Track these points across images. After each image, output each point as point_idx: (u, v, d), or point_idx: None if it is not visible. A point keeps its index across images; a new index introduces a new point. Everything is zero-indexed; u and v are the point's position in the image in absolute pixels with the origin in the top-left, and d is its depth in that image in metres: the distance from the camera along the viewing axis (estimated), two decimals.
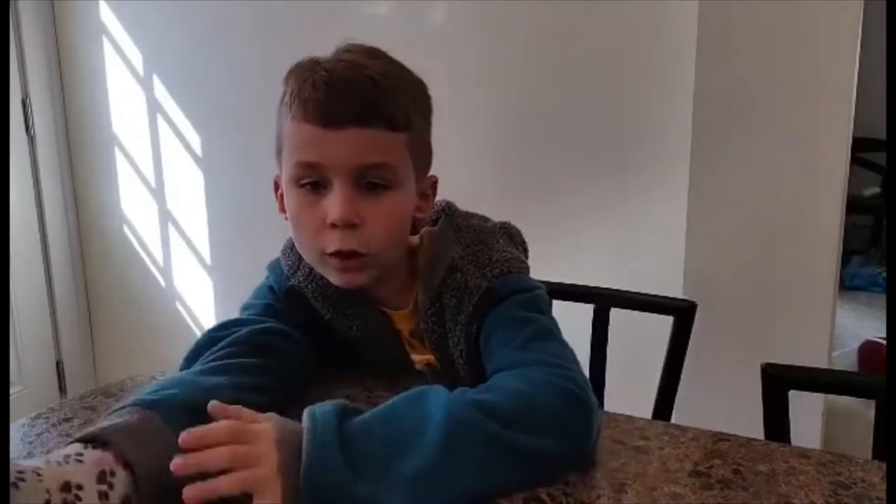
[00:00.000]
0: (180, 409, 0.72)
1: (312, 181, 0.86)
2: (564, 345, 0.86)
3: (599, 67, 1.87)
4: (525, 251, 1.01)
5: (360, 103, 0.83)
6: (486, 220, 1.00)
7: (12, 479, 0.58)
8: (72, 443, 0.67)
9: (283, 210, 0.92)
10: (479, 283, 0.89)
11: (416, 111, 0.89)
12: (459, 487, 0.68)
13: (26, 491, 0.59)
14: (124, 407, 0.72)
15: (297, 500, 0.64)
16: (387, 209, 0.87)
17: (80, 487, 0.62)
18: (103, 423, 0.68)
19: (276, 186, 0.94)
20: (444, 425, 0.69)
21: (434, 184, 0.97)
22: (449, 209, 0.99)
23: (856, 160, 2.13)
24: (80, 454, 0.64)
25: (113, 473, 0.64)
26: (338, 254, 0.86)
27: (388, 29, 2.05)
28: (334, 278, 0.89)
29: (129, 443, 0.66)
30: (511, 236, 0.99)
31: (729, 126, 1.75)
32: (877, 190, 3.93)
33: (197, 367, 0.84)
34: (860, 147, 2.29)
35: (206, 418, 0.68)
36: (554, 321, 0.90)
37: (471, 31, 2.00)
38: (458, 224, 0.96)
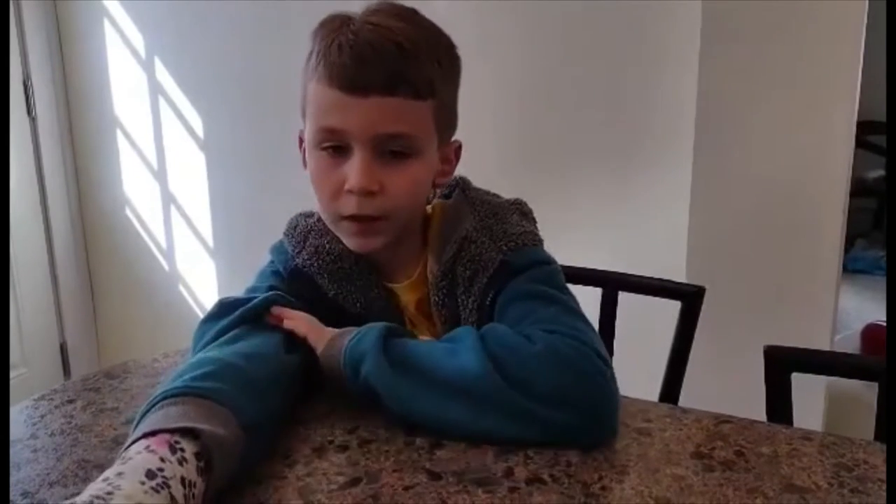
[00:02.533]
0: (258, 437, 0.72)
1: (334, 145, 0.86)
2: (588, 323, 0.86)
3: (603, 51, 1.86)
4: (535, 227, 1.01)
5: (384, 71, 0.82)
6: (498, 196, 1.01)
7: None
8: (174, 434, 0.65)
9: (306, 166, 0.93)
10: (493, 256, 0.89)
11: (441, 77, 0.88)
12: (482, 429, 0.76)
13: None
14: (222, 402, 0.70)
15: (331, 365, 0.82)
16: (407, 177, 0.87)
17: (194, 485, 0.62)
18: (213, 425, 0.66)
19: (301, 141, 0.94)
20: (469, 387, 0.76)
21: (458, 148, 0.97)
22: (463, 182, 0.99)
23: (860, 143, 2.12)
24: (195, 483, 0.63)
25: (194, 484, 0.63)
26: (353, 217, 0.87)
27: None
28: (349, 241, 0.91)
29: (216, 479, 0.66)
30: (523, 212, 0.99)
31: (734, 109, 1.74)
32: (881, 173, 3.91)
33: (236, 349, 0.82)
34: (865, 130, 2.28)
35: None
36: (573, 296, 0.90)
37: (476, 16, 1.98)
38: (471, 198, 0.96)
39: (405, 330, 0.87)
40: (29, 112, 2.56)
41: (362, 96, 0.83)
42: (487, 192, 1.00)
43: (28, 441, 0.82)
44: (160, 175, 2.56)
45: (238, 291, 0.99)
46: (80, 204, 2.73)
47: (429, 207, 0.98)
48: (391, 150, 0.86)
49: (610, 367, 0.79)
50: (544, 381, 0.75)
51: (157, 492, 0.58)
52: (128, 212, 2.66)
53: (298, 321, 0.88)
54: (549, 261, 0.92)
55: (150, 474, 0.59)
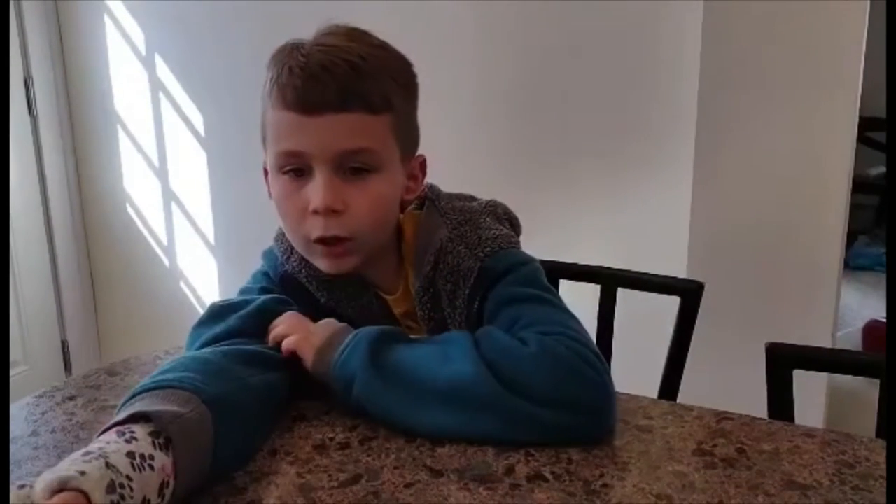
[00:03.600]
0: (230, 410, 0.72)
1: (295, 168, 0.86)
2: (573, 317, 0.86)
3: (602, 45, 1.86)
4: (514, 226, 0.99)
5: (336, 88, 0.82)
6: (472, 199, 0.99)
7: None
8: (128, 423, 0.65)
9: (271, 196, 0.92)
10: (471, 265, 0.89)
11: (397, 92, 0.88)
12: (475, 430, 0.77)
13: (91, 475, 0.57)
14: (183, 386, 0.70)
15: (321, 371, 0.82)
16: (371, 193, 0.86)
17: (151, 458, 0.62)
18: (170, 406, 0.67)
19: (266, 172, 0.94)
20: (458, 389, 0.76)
21: (423, 163, 0.96)
22: (432, 192, 0.98)
23: (862, 139, 2.12)
24: (152, 456, 0.63)
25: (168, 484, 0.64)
26: (321, 240, 0.86)
27: (388, 10, 2.03)
28: (321, 264, 0.90)
29: (184, 455, 0.65)
30: (496, 214, 0.97)
31: (735, 105, 1.74)
32: (883, 169, 3.90)
33: (226, 351, 0.82)
34: (867, 126, 2.27)
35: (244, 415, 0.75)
36: (557, 294, 0.89)
37: (479, 12, 1.98)
38: (442, 207, 0.95)
39: (397, 332, 0.85)
40: (30, 110, 2.55)
41: (316, 115, 0.82)
42: (459, 197, 0.99)
43: (29, 438, 0.82)
44: (161, 172, 2.56)
45: (239, 288, 0.99)
46: (81, 201, 2.73)
47: (400, 216, 0.97)
48: (352, 167, 0.85)
49: (604, 364, 0.79)
50: (541, 383, 0.75)
51: (89, 462, 0.58)
52: (129, 209, 2.65)
53: (284, 327, 0.87)
54: (527, 261, 0.91)
55: (87, 453, 0.59)
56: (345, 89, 0.82)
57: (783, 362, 0.96)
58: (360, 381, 0.79)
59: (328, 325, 0.87)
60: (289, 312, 0.89)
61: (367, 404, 0.80)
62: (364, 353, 0.80)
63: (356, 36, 0.88)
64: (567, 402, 0.76)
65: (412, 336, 0.97)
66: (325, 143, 0.83)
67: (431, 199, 0.96)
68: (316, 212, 0.85)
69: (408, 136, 0.92)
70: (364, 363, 0.79)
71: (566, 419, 0.76)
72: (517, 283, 0.88)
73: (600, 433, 0.78)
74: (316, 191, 0.84)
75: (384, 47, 0.89)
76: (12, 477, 0.73)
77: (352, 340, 0.82)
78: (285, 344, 0.85)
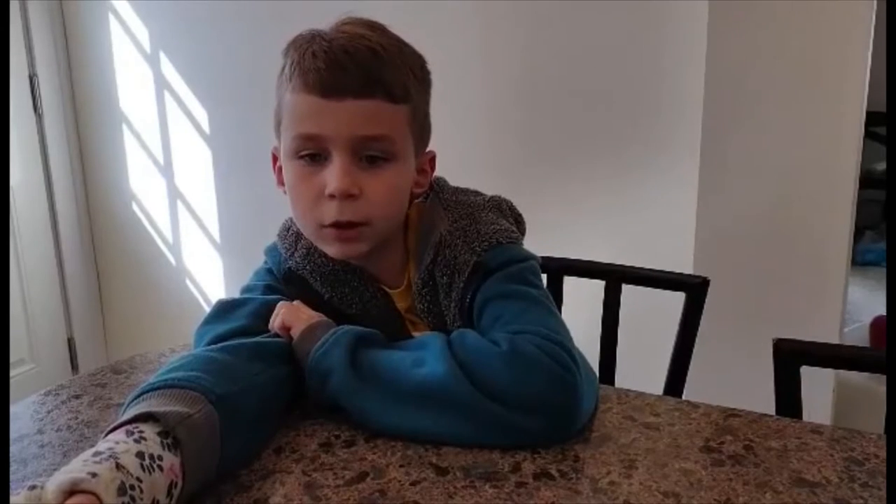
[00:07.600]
0: (237, 410, 0.72)
1: (311, 153, 0.86)
2: (557, 316, 0.85)
3: (608, 41, 1.85)
4: (518, 222, 0.99)
5: (360, 74, 0.82)
6: (477, 194, 0.99)
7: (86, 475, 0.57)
8: (135, 422, 0.65)
9: (281, 183, 0.92)
10: (468, 259, 0.89)
11: (415, 84, 0.88)
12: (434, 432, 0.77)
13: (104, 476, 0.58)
14: (190, 386, 0.71)
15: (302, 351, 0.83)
16: (386, 182, 0.87)
17: (160, 458, 0.62)
18: (177, 406, 0.67)
19: (275, 159, 0.94)
20: (431, 391, 0.76)
21: (432, 159, 0.96)
22: (437, 184, 0.98)
23: (869, 134, 2.10)
24: (161, 456, 0.63)
25: (176, 485, 0.64)
26: (335, 224, 0.86)
27: (393, 9, 2.03)
28: (331, 249, 0.89)
29: (192, 455, 0.66)
30: (500, 209, 0.97)
31: (740, 102, 1.73)
32: None
33: (232, 348, 0.82)
34: (873, 121, 2.26)
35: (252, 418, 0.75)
36: (545, 293, 0.89)
37: (477, 8, 1.98)
38: (445, 200, 0.95)
39: (377, 335, 0.85)
40: (35, 108, 2.56)
41: (338, 100, 0.82)
42: (464, 192, 0.99)
43: (35, 436, 0.82)
44: (166, 170, 2.56)
45: (241, 286, 0.99)
46: (87, 200, 2.73)
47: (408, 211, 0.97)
48: (369, 155, 0.85)
49: (577, 362, 0.78)
50: (509, 383, 0.75)
51: (99, 463, 0.58)
52: (134, 207, 2.66)
53: (276, 312, 0.88)
54: (523, 258, 0.90)
55: (97, 453, 0.59)
56: (367, 75, 0.83)
57: (790, 358, 0.95)
58: (338, 378, 0.80)
59: (318, 313, 0.88)
60: (282, 302, 0.90)
61: (343, 401, 0.80)
62: (344, 350, 0.80)
63: (377, 27, 0.88)
64: (534, 402, 0.75)
65: (414, 333, 0.98)
66: (345, 128, 0.83)
67: (436, 192, 0.97)
68: (332, 196, 0.84)
69: (422, 130, 0.92)
70: (342, 360, 0.80)
71: (534, 422, 0.75)
72: (507, 279, 0.87)
73: (569, 432, 0.77)
74: (333, 175, 0.84)
75: (402, 40, 0.90)
76: (18, 476, 0.73)
77: (331, 336, 0.82)
78: (279, 321, 0.86)
